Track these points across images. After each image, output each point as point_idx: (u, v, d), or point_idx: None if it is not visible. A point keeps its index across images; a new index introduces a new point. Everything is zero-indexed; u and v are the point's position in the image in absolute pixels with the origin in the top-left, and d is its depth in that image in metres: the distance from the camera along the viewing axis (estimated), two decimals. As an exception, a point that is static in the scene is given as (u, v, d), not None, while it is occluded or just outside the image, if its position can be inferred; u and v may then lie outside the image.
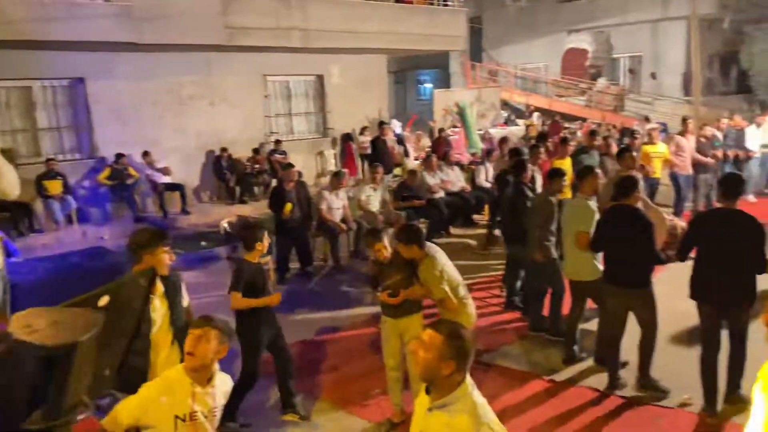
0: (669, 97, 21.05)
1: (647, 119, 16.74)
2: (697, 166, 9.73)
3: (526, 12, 24.38)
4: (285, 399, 4.63)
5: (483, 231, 9.39)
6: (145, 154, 11.43)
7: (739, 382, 4.32)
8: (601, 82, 22.61)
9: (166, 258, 3.48)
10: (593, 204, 5.24)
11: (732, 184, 4.34)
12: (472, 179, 10.65)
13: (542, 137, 11.02)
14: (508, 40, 25.34)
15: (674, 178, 9.70)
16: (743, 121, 11.88)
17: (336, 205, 8.37)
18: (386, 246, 4.37)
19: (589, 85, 22.85)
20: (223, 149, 12.49)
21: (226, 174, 12.38)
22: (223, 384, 2.94)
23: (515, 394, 4.81)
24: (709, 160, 9.86)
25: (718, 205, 4.53)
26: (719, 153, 10.42)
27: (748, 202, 10.02)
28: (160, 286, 3.40)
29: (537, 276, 5.94)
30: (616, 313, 4.77)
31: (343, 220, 8.44)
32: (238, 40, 11.85)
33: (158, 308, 3.38)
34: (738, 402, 4.25)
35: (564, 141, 9.34)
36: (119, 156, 11.04)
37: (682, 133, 9.92)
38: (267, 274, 4.60)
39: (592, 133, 9.93)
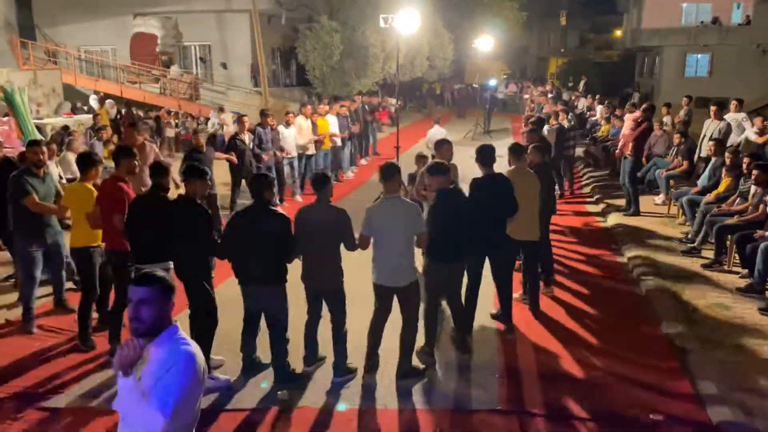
0: (240, 87, 21.99)
1: (222, 109, 17.10)
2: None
3: (83, -11, 22.12)
4: None
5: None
6: None
7: None
8: (175, 69, 22.17)
9: None
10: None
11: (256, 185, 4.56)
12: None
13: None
14: (66, 18, 22.70)
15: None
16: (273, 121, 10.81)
17: None
18: None
19: (162, 73, 22.15)
20: None
21: None
22: None
23: None
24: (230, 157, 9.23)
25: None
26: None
27: (296, 201, 10.18)
28: None
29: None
30: None
31: None
32: None
33: None
34: None
35: (132, 125, 8.41)
36: None
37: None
38: None
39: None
